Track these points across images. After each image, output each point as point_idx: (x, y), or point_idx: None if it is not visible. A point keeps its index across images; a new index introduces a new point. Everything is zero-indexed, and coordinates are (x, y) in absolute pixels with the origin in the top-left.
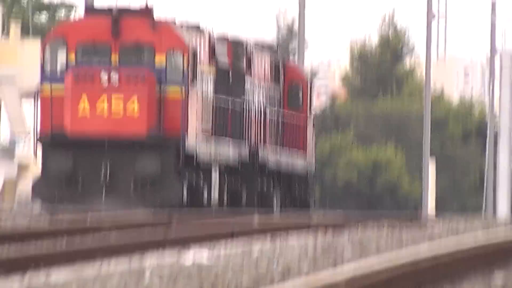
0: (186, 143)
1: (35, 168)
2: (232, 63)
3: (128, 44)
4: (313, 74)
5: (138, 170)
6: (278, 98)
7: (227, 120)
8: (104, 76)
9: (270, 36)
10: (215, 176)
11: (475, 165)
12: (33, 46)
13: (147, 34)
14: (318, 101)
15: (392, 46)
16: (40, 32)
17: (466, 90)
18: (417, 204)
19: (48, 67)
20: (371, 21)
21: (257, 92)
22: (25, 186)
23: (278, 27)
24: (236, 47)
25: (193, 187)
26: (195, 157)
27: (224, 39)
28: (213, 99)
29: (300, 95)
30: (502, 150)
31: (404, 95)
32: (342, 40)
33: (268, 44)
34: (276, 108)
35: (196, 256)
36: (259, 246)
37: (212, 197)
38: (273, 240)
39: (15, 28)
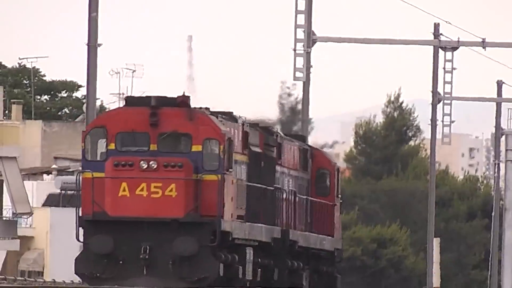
0: (222, 224)
1: (39, 240)
2: (264, 151)
3: (166, 133)
4: None
5: (176, 248)
6: (306, 186)
7: (259, 206)
8: (143, 165)
9: (273, 115)
10: (249, 254)
11: (480, 242)
12: (35, 127)
13: (184, 124)
14: None
15: (397, 127)
16: (42, 113)
17: (471, 169)
18: (422, 281)
19: (89, 155)
20: (377, 100)
21: (287, 180)
22: (28, 257)
23: (282, 107)
24: (267, 136)
25: (228, 266)
26: (230, 237)
27: (255, 127)
28: (246, 186)
29: (328, 182)
30: (508, 226)
31: (409, 174)
32: (347, 120)
33: (296, 133)
34: (305, 195)
35: None
36: None
37: (246, 275)
38: None
39: (16, 110)
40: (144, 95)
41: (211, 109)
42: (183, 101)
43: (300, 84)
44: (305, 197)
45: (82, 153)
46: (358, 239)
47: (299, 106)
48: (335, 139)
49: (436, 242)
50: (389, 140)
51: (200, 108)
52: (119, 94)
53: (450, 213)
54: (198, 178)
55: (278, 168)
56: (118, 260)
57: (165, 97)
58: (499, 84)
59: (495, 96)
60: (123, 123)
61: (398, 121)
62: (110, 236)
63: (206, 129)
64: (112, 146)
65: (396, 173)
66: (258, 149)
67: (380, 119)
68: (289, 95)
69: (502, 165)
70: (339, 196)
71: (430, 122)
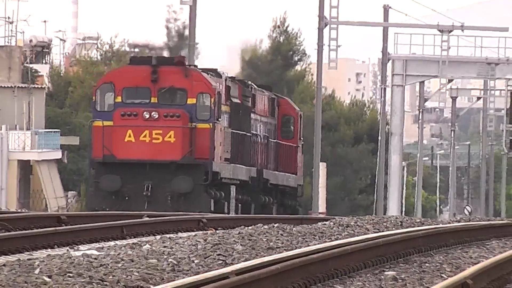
0: (213, 165)
1: None
2: (242, 102)
3: (165, 88)
4: None
5: (174, 186)
6: (273, 130)
7: (240, 149)
8: (146, 115)
9: (160, 40)
10: (233, 191)
11: (366, 166)
12: None
13: (181, 80)
14: None
15: (284, 51)
16: None
17: (358, 94)
18: (307, 206)
19: (98, 107)
20: (262, 25)
21: (259, 125)
22: None
23: (168, 31)
24: (244, 88)
25: (217, 199)
26: (219, 177)
27: (235, 81)
28: (230, 133)
29: (292, 126)
30: (393, 151)
31: (295, 98)
32: (233, 46)
33: (265, 85)
34: (273, 138)
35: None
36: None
37: (230, 210)
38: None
39: None
40: (28, 17)
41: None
42: (180, 60)
43: (187, 8)
44: (274, 140)
45: (93, 104)
46: None
47: (187, 31)
48: (222, 64)
49: (322, 166)
50: (275, 65)
51: (190, 65)
52: (5, 18)
53: (336, 138)
54: (192, 126)
55: (252, 115)
56: (124, 196)
57: (164, 57)
58: (386, 8)
59: (381, 21)
60: (128, 79)
61: (284, 45)
62: (117, 176)
63: (199, 85)
64: (118, 99)
65: None
66: (237, 100)
67: (266, 44)
68: (176, 20)
69: (388, 90)
70: (301, 138)
71: (316, 47)
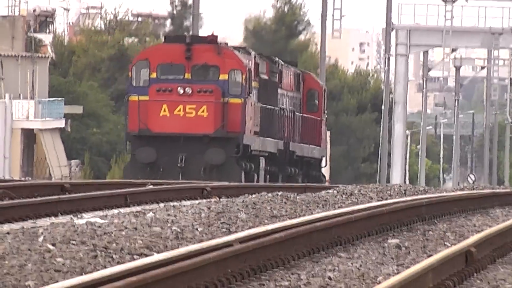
0: (244, 138)
1: None
2: (269, 78)
3: (198, 65)
4: None
5: (207, 158)
6: (299, 104)
7: (268, 123)
8: (180, 90)
9: (163, 9)
10: (262, 163)
11: (370, 135)
12: None
13: (214, 57)
14: None
15: (288, 21)
16: None
17: (362, 63)
18: None
19: (134, 82)
20: None
21: (286, 100)
22: None
23: (172, 1)
24: (271, 64)
25: (247, 171)
26: (249, 149)
27: (263, 58)
28: (259, 107)
29: (316, 100)
30: (397, 119)
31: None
32: (237, 16)
33: (290, 61)
34: (298, 112)
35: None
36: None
37: (259, 181)
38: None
39: None
40: None
41: None
42: (212, 39)
43: None
44: (299, 114)
45: (129, 80)
46: None
47: (190, 1)
48: (225, 34)
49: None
50: (279, 35)
51: (222, 43)
52: None
53: (340, 107)
54: (225, 101)
55: (279, 90)
56: (159, 168)
57: (198, 35)
58: None
59: None
60: (163, 56)
61: (288, 15)
62: (153, 148)
63: (231, 62)
64: (154, 75)
65: None
66: (265, 76)
67: (270, 14)
68: None
69: (392, 59)
70: (325, 112)
71: (320, 17)
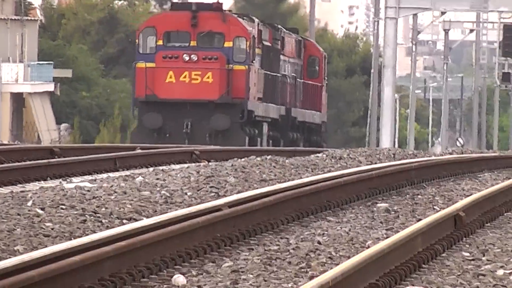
0: (248, 104)
1: None
2: (272, 45)
3: (203, 32)
4: None
5: (212, 124)
6: (300, 70)
7: (271, 89)
8: (186, 57)
9: None
10: (265, 128)
11: (359, 99)
12: None
13: (219, 25)
14: None
15: None
16: None
17: (351, 27)
18: None
19: (141, 49)
20: None
21: (287, 66)
22: None
23: None
24: (274, 31)
25: (251, 136)
26: (253, 115)
27: (266, 25)
28: (263, 74)
29: (317, 67)
30: (386, 83)
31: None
32: None
33: (292, 27)
34: (300, 78)
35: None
36: None
37: (263, 145)
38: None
39: None
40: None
41: None
42: (218, 6)
43: None
44: (300, 80)
45: (136, 47)
46: None
47: None
48: None
49: None
50: None
51: (227, 11)
52: None
53: (329, 70)
54: (229, 68)
55: (281, 57)
56: (165, 134)
57: (203, 3)
58: None
59: None
60: (169, 24)
61: None
62: (159, 114)
63: (236, 29)
64: (160, 42)
65: None
66: (268, 43)
67: None
68: None
69: (381, 22)
70: (325, 78)
71: None
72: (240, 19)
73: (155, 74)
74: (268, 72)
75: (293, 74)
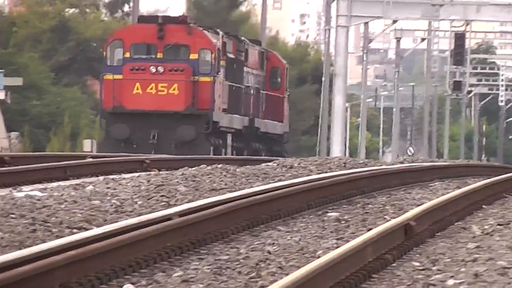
0: (213, 115)
1: None
2: (236, 56)
3: (170, 45)
4: None
5: (178, 135)
6: (263, 81)
7: (235, 100)
8: (152, 69)
9: None
10: (229, 139)
11: (310, 108)
12: None
13: (184, 37)
14: None
15: None
16: None
17: (302, 35)
18: None
19: (109, 61)
20: None
21: (251, 77)
22: None
23: None
24: (238, 43)
25: (216, 146)
26: (218, 126)
27: (230, 37)
28: (227, 85)
29: (279, 78)
30: (337, 92)
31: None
32: None
33: (255, 39)
34: (262, 89)
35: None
36: None
37: (227, 153)
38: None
39: None
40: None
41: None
42: (183, 19)
43: None
44: (263, 91)
45: (104, 60)
46: None
47: None
48: (168, 5)
49: None
50: (220, 6)
51: (191, 23)
52: None
53: None
54: (195, 80)
55: (245, 68)
56: (132, 144)
57: (169, 16)
58: None
59: None
60: (136, 36)
61: None
62: (126, 125)
63: (201, 41)
64: (127, 54)
65: None
66: (232, 55)
67: None
68: None
69: (332, 31)
70: (287, 89)
71: None
72: (205, 32)
73: (122, 86)
74: (233, 84)
75: (256, 85)
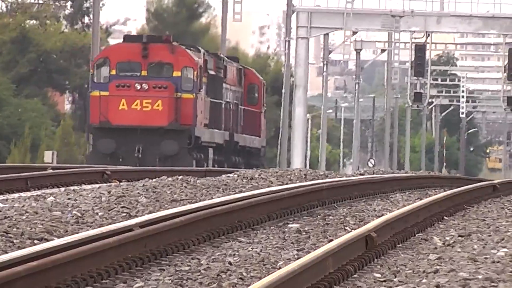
0: (195, 130)
1: None
2: (216, 73)
3: (154, 63)
4: (109, 34)
5: (162, 149)
6: (241, 97)
7: (216, 115)
8: (137, 86)
9: None
10: (211, 153)
11: (270, 119)
12: None
13: (168, 56)
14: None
15: (188, 3)
16: None
17: (262, 47)
18: None
19: (95, 79)
20: None
21: (230, 93)
22: None
23: None
24: (218, 61)
25: (198, 160)
26: (200, 141)
27: (210, 55)
28: (208, 101)
29: (256, 94)
30: (298, 103)
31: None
32: None
33: (233, 56)
34: (240, 104)
35: None
36: None
37: (209, 166)
38: None
39: None
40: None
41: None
42: (167, 39)
43: None
44: (241, 106)
45: (91, 77)
46: None
47: None
48: (127, 16)
49: None
50: (180, 17)
51: (173, 42)
52: None
53: None
54: (178, 96)
55: (224, 85)
56: (118, 158)
57: (153, 35)
58: None
59: None
60: (122, 55)
61: None
62: (112, 140)
63: (184, 60)
64: (113, 72)
65: None
66: (213, 72)
67: None
68: None
69: (292, 42)
70: (264, 104)
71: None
72: (187, 50)
73: (108, 102)
74: (213, 99)
75: (235, 101)
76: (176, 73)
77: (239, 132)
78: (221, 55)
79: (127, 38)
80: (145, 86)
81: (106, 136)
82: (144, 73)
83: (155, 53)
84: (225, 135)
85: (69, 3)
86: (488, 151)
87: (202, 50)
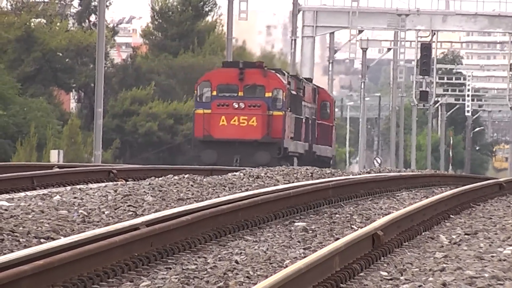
0: (284, 143)
1: None
2: (297, 92)
3: (249, 85)
4: (115, 32)
5: (256, 159)
6: (315, 113)
7: (298, 129)
8: (235, 105)
9: None
10: (295, 162)
11: None
12: None
13: (261, 79)
14: (120, 57)
15: (194, 2)
16: None
17: (268, 46)
18: None
19: (199, 99)
20: None
21: (307, 110)
22: None
23: None
24: (298, 82)
25: None
26: (287, 151)
27: (292, 77)
28: (294, 117)
29: (328, 110)
30: None
31: (206, 50)
32: None
33: (308, 77)
34: (315, 119)
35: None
36: None
37: None
38: None
39: None
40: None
41: None
42: (260, 64)
43: None
44: (317, 121)
45: (195, 97)
46: (155, 114)
47: None
48: (132, 15)
49: None
50: (185, 16)
51: (266, 68)
52: None
53: None
54: (269, 114)
55: (303, 103)
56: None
57: (248, 61)
58: None
59: None
60: (221, 78)
61: None
62: (215, 151)
63: (274, 82)
64: (214, 93)
65: (193, 49)
66: (294, 92)
67: None
68: None
69: (298, 41)
70: (335, 119)
71: None
72: (277, 74)
73: (211, 119)
74: (296, 116)
75: (312, 116)
76: (268, 94)
77: (316, 143)
78: (300, 77)
79: (226, 64)
80: (241, 105)
81: (209, 147)
82: (240, 93)
83: (249, 76)
84: (305, 146)
85: (76, 2)
86: (494, 150)
87: (286, 73)
